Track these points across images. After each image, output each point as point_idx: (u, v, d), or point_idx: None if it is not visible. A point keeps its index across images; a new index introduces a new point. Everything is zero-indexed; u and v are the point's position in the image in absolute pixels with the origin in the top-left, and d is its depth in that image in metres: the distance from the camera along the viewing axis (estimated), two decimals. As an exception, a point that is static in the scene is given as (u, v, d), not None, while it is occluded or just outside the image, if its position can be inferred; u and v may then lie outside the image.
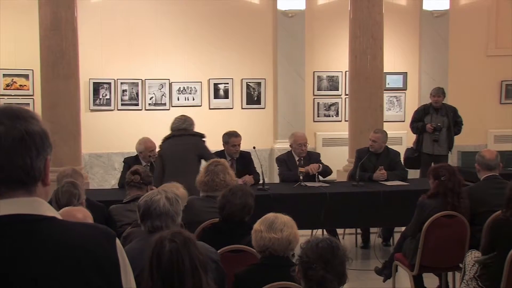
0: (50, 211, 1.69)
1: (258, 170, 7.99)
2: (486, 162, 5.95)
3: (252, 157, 8.08)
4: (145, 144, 7.82)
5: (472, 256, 5.15)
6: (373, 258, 7.59)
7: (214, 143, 10.46)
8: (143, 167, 6.03)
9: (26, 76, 10.58)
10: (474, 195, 5.83)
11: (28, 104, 10.36)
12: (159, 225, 3.81)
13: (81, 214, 3.79)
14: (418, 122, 9.56)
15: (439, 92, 9.55)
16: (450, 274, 6.24)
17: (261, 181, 7.67)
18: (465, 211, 5.71)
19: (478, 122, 11.89)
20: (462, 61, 12.02)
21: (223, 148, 8.02)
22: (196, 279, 2.85)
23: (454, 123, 9.56)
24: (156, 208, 3.83)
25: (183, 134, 7.37)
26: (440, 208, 5.65)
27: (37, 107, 9.71)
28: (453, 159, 10.11)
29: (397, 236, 7.15)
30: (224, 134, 7.99)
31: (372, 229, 8.40)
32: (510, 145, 10.69)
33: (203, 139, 7.47)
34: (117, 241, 1.75)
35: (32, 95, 10.51)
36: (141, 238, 3.90)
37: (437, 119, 9.44)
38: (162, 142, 7.48)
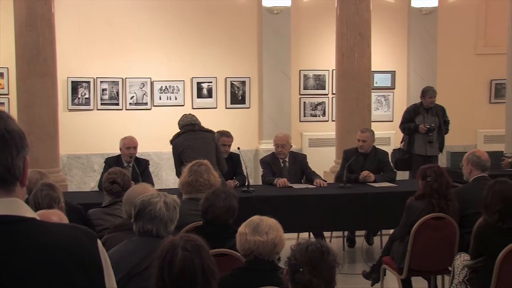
0: (29, 212, 1.70)
1: (243, 171, 7.89)
2: (483, 163, 5.96)
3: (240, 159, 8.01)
4: (123, 141, 7.86)
5: (461, 259, 5.11)
6: (360, 262, 7.57)
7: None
8: (121, 170, 5.80)
9: (0, 74, 10.47)
10: (462, 196, 5.80)
11: (3, 103, 10.29)
12: (149, 229, 3.76)
13: (57, 217, 3.76)
14: (409, 122, 9.36)
15: (435, 93, 9.43)
16: (439, 277, 6.21)
17: (246, 183, 7.57)
18: (454, 213, 5.66)
19: (467, 122, 11.89)
20: (451, 59, 12.04)
21: None
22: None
23: (443, 122, 9.41)
24: (152, 210, 3.76)
25: (198, 129, 7.30)
26: (428, 210, 5.61)
27: (12, 107, 9.63)
28: (442, 160, 9.99)
29: (385, 239, 7.03)
30: (216, 132, 7.83)
31: (358, 232, 8.34)
32: (500, 145, 10.55)
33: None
34: (99, 241, 1.77)
35: (7, 94, 10.41)
36: (130, 240, 3.83)
37: (429, 120, 9.30)
38: (175, 138, 7.31)
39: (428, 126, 9.17)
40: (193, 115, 7.52)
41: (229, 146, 7.90)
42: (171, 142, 7.34)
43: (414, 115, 9.38)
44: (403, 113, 9.63)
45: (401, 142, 9.60)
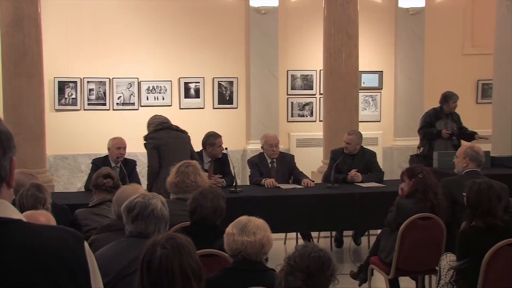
0: (16, 214, 1.68)
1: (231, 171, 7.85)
2: (480, 158, 6.09)
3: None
4: (113, 141, 7.80)
5: (448, 260, 5.11)
6: (348, 262, 7.50)
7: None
8: (112, 169, 5.82)
9: (-14, 75, 10.30)
10: (452, 187, 5.85)
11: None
12: (152, 230, 3.73)
13: (44, 218, 3.72)
14: (430, 127, 9.16)
15: (458, 97, 9.23)
16: (426, 277, 6.20)
17: (233, 183, 7.55)
18: (443, 211, 5.68)
19: (455, 122, 11.84)
20: (438, 59, 12.04)
21: (200, 149, 7.84)
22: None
23: (461, 127, 9.30)
24: (154, 210, 3.74)
25: (176, 129, 7.35)
26: (419, 208, 5.61)
27: (-2, 107, 9.44)
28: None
29: (372, 239, 7.04)
30: (209, 136, 7.88)
31: (346, 232, 8.31)
32: (487, 145, 10.58)
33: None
34: (85, 243, 1.75)
35: (-7, 95, 10.23)
36: (120, 241, 3.79)
37: (449, 125, 9.12)
38: (151, 133, 7.30)
39: (451, 130, 9.00)
40: (162, 115, 7.53)
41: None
42: (146, 136, 7.30)
43: (435, 120, 9.19)
44: (423, 118, 9.38)
45: (419, 148, 9.34)
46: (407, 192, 5.75)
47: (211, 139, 7.80)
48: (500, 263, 4.68)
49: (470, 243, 4.82)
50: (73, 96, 10.76)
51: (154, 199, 3.81)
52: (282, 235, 7.98)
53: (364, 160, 8.09)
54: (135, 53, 10.95)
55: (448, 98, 9.22)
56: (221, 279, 3.61)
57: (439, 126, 9.16)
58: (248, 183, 8.27)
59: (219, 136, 7.85)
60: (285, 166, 8.05)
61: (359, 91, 10.09)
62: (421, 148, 9.27)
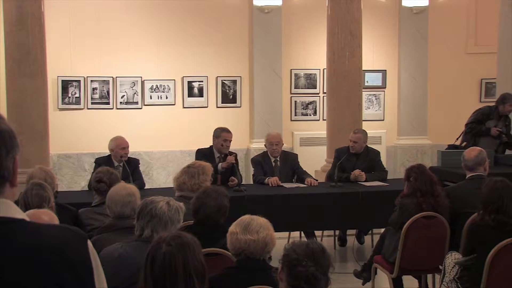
0: (18, 213, 1.68)
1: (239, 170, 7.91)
2: (465, 162, 5.93)
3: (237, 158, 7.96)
4: (116, 141, 7.71)
5: (452, 258, 5.12)
6: (351, 261, 7.55)
7: (188, 143, 10.38)
8: (109, 169, 5.78)
9: (-10, 73, 10.32)
10: (455, 195, 5.79)
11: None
12: (150, 230, 3.74)
13: (47, 216, 3.71)
14: (480, 124, 8.95)
15: None
16: (429, 276, 6.21)
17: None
18: (444, 210, 5.66)
19: (458, 121, 11.73)
20: (441, 58, 12.00)
21: (211, 144, 7.87)
22: (189, 287, 2.74)
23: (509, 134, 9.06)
24: (153, 209, 3.76)
25: None
26: (416, 209, 5.61)
27: (1, 106, 9.49)
28: (433, 159, 9.97)
29: (376, 238, 7.07)
30: (216, 128, 7.92)
31: (349, 231, 8.33)
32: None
33: None
34: (89, 242, 1.75)
35: (-3, 93, 10.24)
36: (131, 245, 3.79)
37: (499, 126, 8.90)
38: None
39: (501, 129, 8.80)
40: None
41: (230, 141, 7.82)
42: None
43: (487, 118, 8.97)
44: (475, 113, 9.15)
45: (462, 143, 9.04)
46: (402, 194, 5.80)
47: (217, 131, 7.81)
48: (506, 261, 4.66)
49: (477, 237, 4.82)
50: (77, 95, 10.76)
51: (159, 199, 3.82)
52: (286, 234, 7.99)
53: (368, 159, 8.10)
54: (138, 52, 10.95)
55: (506, 100, 8.91)
56: (224, 278, 3.61)
57: (489, 125, 8.92)
58: (251, 182, 8.27)
59: (226, 131, 7.81)
60: (289, 165, 8.06)
61: (363, 90, 10.09)
62: (464, 143, 8.94)
